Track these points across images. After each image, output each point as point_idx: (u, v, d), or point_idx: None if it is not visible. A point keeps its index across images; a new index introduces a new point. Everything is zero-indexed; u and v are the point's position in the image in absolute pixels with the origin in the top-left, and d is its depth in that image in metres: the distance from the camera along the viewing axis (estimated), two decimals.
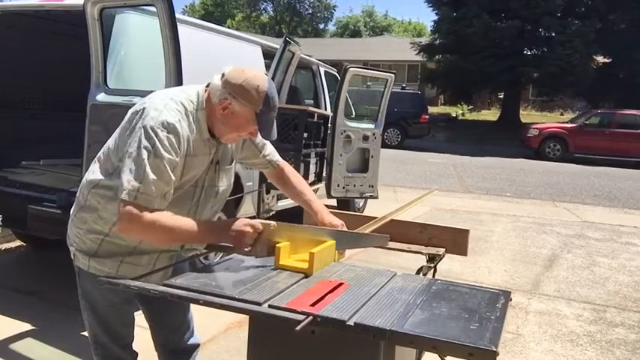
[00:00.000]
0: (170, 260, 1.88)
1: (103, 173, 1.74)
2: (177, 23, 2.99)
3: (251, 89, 1.65)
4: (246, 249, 1.69)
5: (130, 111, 1.71)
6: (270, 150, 2.06)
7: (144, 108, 1.66)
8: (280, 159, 2.11)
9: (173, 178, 1.62)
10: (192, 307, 2.09)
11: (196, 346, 2.17)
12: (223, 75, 1.69)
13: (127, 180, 1.57)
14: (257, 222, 1.70)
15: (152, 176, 1.57)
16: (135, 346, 2.03)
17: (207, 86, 1.74)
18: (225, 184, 1.90)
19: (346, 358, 1.50)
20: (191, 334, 2.14)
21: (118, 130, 1.74)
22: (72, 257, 1.85)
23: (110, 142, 1.75)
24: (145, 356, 2.11)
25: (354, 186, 5.46)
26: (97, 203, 1.74)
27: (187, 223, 1.64)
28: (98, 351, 1.95)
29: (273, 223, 1.73)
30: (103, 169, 1.74)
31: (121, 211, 1.58)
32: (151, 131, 1.59)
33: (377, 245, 2.12)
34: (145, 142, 1.58)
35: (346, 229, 1.98)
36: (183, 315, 2.10)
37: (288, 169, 2.13)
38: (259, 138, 1.89)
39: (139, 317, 2.03)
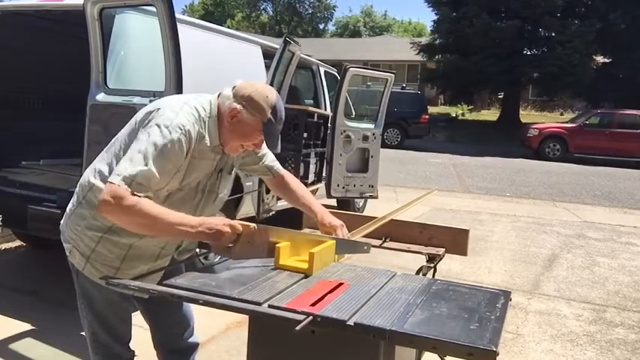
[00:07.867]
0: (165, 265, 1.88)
1: (108, 171, 1.73)
2: (177, 23, 2.99)
3: (260, 99, 1.73)
4: (223, 249, 1.69)
5: (143, 111, 1.76)
6: (270, 158, 2.10)
7: (159, 108, 1.71)
8: (281, 168, 2.15)
9: (169, 179, 1.64)
10: (192, 306, 2.09)
11: (195, 346, 2.17)
12: (234, 87, 1.77)
13: (125, 167, 1.58)
14: (236, 223, 1.70)
15: (154, 171, 1.58)
16: (133, 347, 2.02)
17: (219, 96, 1.80)
18: (224, 191, 1.95)
19: (346, 358, 1.50)
20: (191, 333, 2.14)
21: (126, 130, 1.77)
22: (67, 254, 1.85)
23: (118, 140, 1.77)
24: (143, 358, 2.11)
25: (354, 186, 5.46)
26: (96, 199, 1.74)
27: (168, 214, 1.61)
28: (97, 349, 1.95)
29: (253, 225, 1.72)
30: (108, 167, 1.74)
31: (106, 189, 1.56)
32: (165, 129, 1.63)
33: (356, 252, 1.95)
34: (156, 138, 1.61)
35: (344, 230, 1.98)
36: (181, 313, 2.10)
37: (288, 176, 2.16)
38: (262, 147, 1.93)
39: (138, 317, 2.03)
